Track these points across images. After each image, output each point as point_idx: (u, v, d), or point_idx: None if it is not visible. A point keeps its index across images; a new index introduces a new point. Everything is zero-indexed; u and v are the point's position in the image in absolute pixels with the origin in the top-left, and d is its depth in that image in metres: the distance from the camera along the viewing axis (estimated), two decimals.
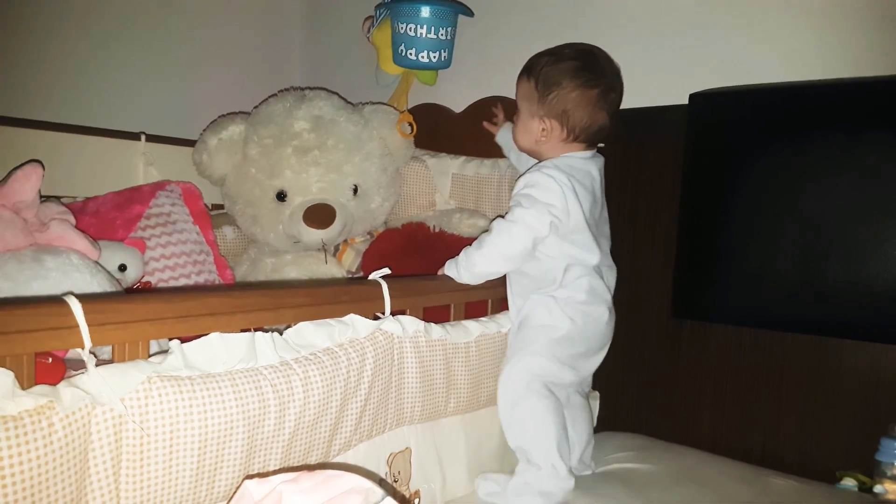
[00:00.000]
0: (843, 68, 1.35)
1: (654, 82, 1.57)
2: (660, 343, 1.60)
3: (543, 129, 1.32)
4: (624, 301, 1.60)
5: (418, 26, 1.67)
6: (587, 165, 1.31)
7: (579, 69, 1.28)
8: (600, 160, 1.36)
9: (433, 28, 1.67)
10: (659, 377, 1.60)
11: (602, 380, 1.50)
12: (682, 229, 1.52)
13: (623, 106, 1.55)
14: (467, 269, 1.28)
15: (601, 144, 1.54)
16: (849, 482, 1.30)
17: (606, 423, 1.60)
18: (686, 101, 1.49)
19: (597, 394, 1.58)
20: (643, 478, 1.33)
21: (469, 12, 1.78)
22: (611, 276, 1.36)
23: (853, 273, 1.30)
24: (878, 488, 1.26)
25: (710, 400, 1.53)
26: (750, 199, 1.41)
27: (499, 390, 1.29)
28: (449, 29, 1.71)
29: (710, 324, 1.52)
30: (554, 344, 1.26)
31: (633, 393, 1.64)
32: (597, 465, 1.41)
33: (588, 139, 1.33)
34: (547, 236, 1.25)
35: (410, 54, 1.69)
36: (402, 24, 1.68)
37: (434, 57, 1.70)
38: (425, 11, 1.66)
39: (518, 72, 1.39)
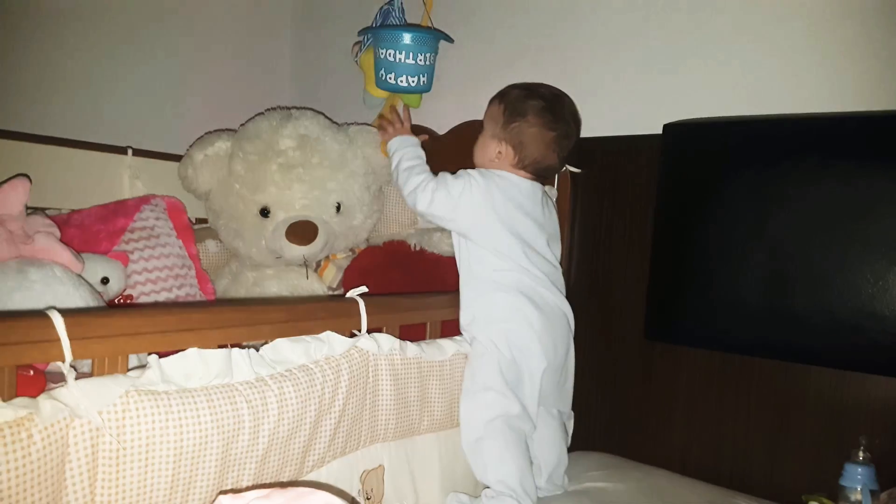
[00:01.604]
0: (812, 103, 1.39)
1: (629, 112, 1.62)
2: (632, 364, 1.62)
3: (499, 152, 1.41)
4: (598, 322, 1.64)
5: (397, 52, 1.70)
6: (522, 183, 1.40)
7: (545, 110, 1.38)
8: (539, 187, 1.44)
9: (412, 54, 1.71)
10: (631, 398, 1.63)
11: (575, 399, 1.53)
12: (655, 254, 1.55)
13: (600, 133, 1.61)
14: (396, 174, 1.45)
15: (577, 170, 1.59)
16: None
17: (579, 443, 1.62)
18: (660, 131, 1.53)
19: (572, 413, 1.60)
20: (613, 497, 1.35)
21: (449, 39, 1.82)
22: (553, 300, 1.38)
23: (818, 301, 1.33)
24: None
25: (681, 421, 1.56)
26: (720, 227, 1.44)
27: (461, 422, 1.34)
28: (429, 55, 1.75)
29: (681, 347, 1.55)
30: (497, 374, 1.31)
31: (605, 413, 1.66)
32: (570, 484, 1.44)
33: (534, 171, 1.42)
34: (455, 221, 1.37)
35: (390, 79, 1.73)
36: (384, 49, 1.72)
37: (413, 81, 1.74)
38: (406, 38, 1.71)
39: None
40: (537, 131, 1.38)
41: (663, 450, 1.57)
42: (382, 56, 1.73)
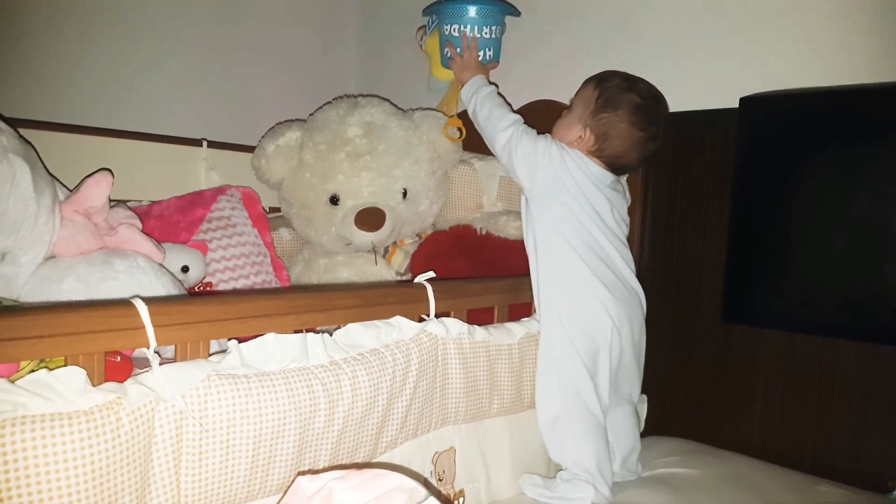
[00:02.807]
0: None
1: (704, 85, 1.56)
2: (709, 347, 1.58)
3: (580, 137, 1.38)
4: (672, 305, 1.61)
5: (462, 26, 1.67)
6: (593, 166, 1.37)
7: (640, 108, 1.34)
8: (610, 175, 1.40)
9: (478, 27, 1.67)
10: (708, 382, 1.59)
11: (650, 383, 1.50)
12: (733, 233, 1.50)
13: (674, 109, 1.56)
14: (478, 111, 1.48)
15: None
16: None
17: (654, 428, 1.60)
18: (737, 105, 1.47)
19: (644, 397, 1.57)
20: (690, 482, 1.33)
21: (515, 12, 1.78)
22: (624, 276, 1.37)
23: None
24: None
25: (759, 405, 1.51)
26: (803, 204, 1.39)
27: (536, 402, 1.33)
28: (494, 28, 1.70)
29: (761, 329, 1.51)
30: (571, 350, 1.29)
31: (681, 397, 1.63)
32: (644, 470, 1.42)
33: (609, 164, 1.38)
34: (535, 167, 1.35)
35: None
36: (448, 25, 1.70)
37: (479, 56, 1.71)
38: (471, 11, 1.67)
39: (567, 75, 1.45)
40: (626, 128, 1.34)
41: (741, 435, 1.53)
42: (447, 32, 1.70)
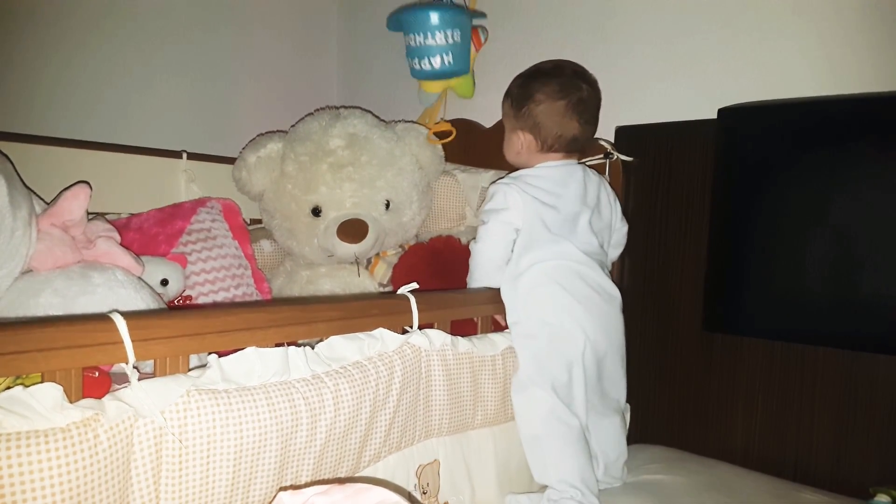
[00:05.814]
0: (873, 82, 1.34)
1: (683, 97, 1.58)
2: (691, 356, 1.59)
3: (522, 143, 1.42)
4: (654, 315, 1.62)
5: (416, 35, 1.68)
6: (550, 173, 1.39)
7: (546, 83, 1.37)
8: (576, 168, 1.42)
9: (431, 34, 1.67)
10: (690, 390, 1.60)
11: (633, 392, 1.51)
12: (713, 243, 1.52)
13: (653, 120, 1.58)
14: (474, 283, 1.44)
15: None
16: (882, 498, 1.28)
17: (637, 436, 1.61)
18: (715, 116, 1.49)
19: (628, 406, 1.58)
20: (673, 490, 1.34)
21: (479, 14, 1.76)
22: (597, 280, 1.36)
23: (886, 287, 1.29)
24: None
25: (741, 413, 1.52)
26: (781, 213, 1.41)
27: (517, 419, 1.32)
28: (450, 32, 1.67)
29: (741, 337, 1.52)
30: (538, 368, 1.30)
31: (664, 405, 1.64)
32: (628, 477, 1.42)
33: (563, 148, 1.40)
34: (518, 232, 1.35)
35: (415, 64, 1.72)
36: (407, 35, 1.71)
37: (437, 63, 1.69)
38: (428, 18, 1.66)
39: None
40: (546, 107, 1.37)
41: (724, 442, 1.54)
42: (407, 43, 1.71)
